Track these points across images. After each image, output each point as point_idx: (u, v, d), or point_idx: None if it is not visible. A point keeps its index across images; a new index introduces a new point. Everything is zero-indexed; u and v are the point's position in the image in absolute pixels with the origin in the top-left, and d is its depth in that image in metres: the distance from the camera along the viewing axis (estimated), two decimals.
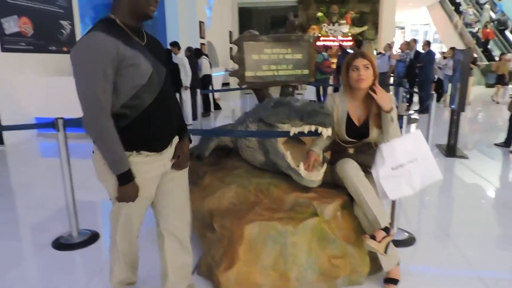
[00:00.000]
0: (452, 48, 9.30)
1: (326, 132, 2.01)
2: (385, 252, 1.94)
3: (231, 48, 16.88)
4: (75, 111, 6.64)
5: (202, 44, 12.43)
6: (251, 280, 2.01)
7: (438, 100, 9.83)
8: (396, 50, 10.00)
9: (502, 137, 5.59)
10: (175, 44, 7.09)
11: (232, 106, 10.54)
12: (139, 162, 1.48)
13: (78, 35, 7.16)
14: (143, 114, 1.42)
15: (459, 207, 3.41)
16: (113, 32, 1.34)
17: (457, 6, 18.85)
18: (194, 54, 7.60)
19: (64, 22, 6.77)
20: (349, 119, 2.16)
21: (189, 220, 1.81)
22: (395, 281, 2.07)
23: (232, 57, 4.43)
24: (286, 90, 4.14)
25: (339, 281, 2.07)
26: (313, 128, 1.99)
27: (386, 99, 2.03)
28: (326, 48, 9.02)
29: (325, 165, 2.16)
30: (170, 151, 1.61)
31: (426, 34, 27.48)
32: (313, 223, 2.02)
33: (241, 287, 1.98)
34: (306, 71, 4.00)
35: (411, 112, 8.39)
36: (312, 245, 2.04)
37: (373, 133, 2.13)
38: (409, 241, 2.63)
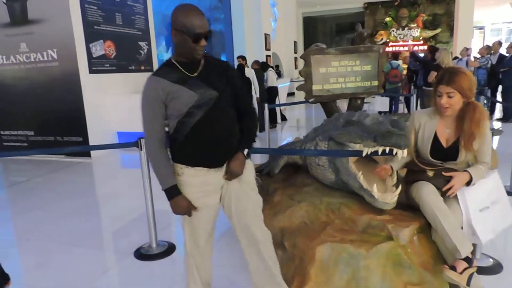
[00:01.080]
0: (466, 48, 8.45)
1: (401, 153, 1.93)
2: (468, 284, 1.81)
3: (295, 58, 16.95)
4: None
5: (267, 56, 12.66)
6: None
7: None
8: (474, 55, 9.25)
9: None
10: (243, 58, 7.36)
11: (298, 117, 10.56)
12: (192, 175, 1.71)
13: (155, 53, 7.73)
14: (190, 134, 1.65)
15: None
16: (165, 73, 1.65)
17: None
18: (261, 67, 7.77)
19: (142, 43, 7.34)
20: (435, 139, 2.06)
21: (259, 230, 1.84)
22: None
23: (299, 72, 4.47)
24: (354, 102, 4.06)
25: None
26: (387, 149, 1.94)
27: (461, 181, 1.94)
28: (395, 55, 8.64)
29: (400, 187, 2.08)
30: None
31: (511, 33, 25.04)
32: (388, 248, 1.95)
33: None
34: (375, 83, 3.91)
35: (493, 121, 7.71)
36: (387, 269, 1.97)
37: (462, 156, 2.01)
38: (494, 269, 2.41)
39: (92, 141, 6.09)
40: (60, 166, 5.72)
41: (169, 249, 2.89)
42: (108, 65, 6.53)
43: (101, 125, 6.35)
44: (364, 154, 2.08)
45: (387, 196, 2.05)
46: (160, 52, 10.40)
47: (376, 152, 2.00)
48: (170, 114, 1.65)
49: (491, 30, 25.38)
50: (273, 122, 8.23)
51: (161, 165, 1.66)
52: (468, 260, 1.84)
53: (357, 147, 2.18)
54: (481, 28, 24.40)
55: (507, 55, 7.76)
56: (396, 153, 1.96)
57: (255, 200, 1.85)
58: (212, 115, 1.65)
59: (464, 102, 1.98)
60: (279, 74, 11.57)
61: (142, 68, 7.32)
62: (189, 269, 1.91)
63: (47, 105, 6.22)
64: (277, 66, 12.33)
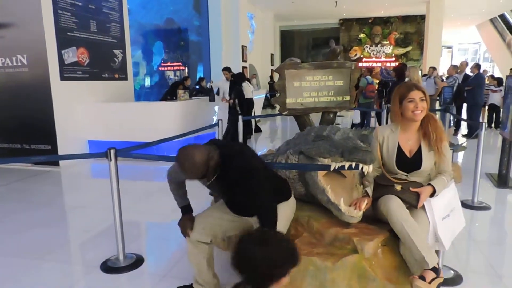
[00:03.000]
0: (432, 68, 9.02)
1: (367, 168, 2.00)
2: None
3: (272, 70, 17.18)
4: (124, 134, 6.94)
5: (244, 67, 12.77)
6: None
7: (490, 125, 9.38)
8: (442, 74, 9.70)
9: None
10: (229, 70, 7.60)
11: (273, 128, 10.66)
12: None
13: (129, 62, 7.64)
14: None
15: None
16: None
17: (508, 24, 18.01)
18: (236, 79, 7.82)
19: (116, 51, 7.25)
20: (399, 151, 2.17)
21: None
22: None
23: (274, 85, 4.55)
24: (326, 116, 4.15)
25: None
26: (353, 164, 2.00)
27: (427, 195, 2.06)
28: (370, 71, 8.92)
29: (365, 201, 2.14)
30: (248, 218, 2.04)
31: (476, 53, 26.36)
32: (353, 261, 2.00)
33: None
34: (347, 97, 4.01)
35: (458, 137, 8.05)
36: (352, 282, 2.01)
37: (425, 164, 2.14)
38: (455, 280, 2.49)
39: (61, 150, 5.92)
40: (26, 175, 5.52)
41: (137, 261, 2.83)
42: (80, 72, 6.40)
43: (71, 133, 6.20)
44: (332, 169, 2.13)
45: (353, 210, 2.10)
46: (136, 59, 10.29)
47: (343, 167, 2.06)
48: None
49: (458, 49, 26.62)
50: (248, 134, 8.27)
51: (176, 195, 2.18)
52: (435, 270, 1.91)
53: (326, 161, 2.24)
54: (449, 47, 25.57)
55: (471, 74, 8.14)
56: (362, 169, 2.02)
57: None
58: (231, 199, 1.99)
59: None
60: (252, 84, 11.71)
61: (116, 76, 7.22)
62: None
63: (15, 111, 6.03)
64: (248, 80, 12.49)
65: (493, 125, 9.42)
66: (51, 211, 4.02)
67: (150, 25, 13.75)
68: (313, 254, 2.04)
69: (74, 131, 6.27)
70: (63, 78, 6.04)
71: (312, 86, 3.99)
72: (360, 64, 15.32)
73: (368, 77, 8.01)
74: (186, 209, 2.17)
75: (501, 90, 8.74)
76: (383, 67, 8.15)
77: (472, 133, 8.09)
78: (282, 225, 2.03)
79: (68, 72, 6.12)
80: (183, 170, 1.75)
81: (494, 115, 9.12)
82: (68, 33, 6.08)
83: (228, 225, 2.12)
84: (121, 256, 2.81)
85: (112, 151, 2.67)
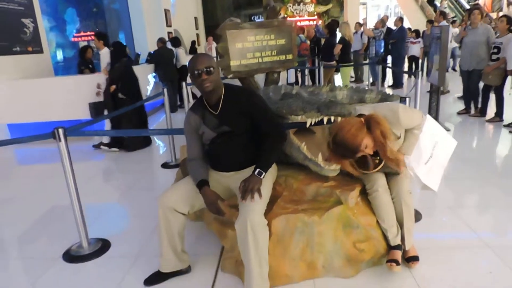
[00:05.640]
0: (358, 23, 9.70)
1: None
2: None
3: (197, 35, 16.53)
4: (49, 114, 6.25)
5: (169, 32, 12.07)
6: (281, 272, 2.04)
7: (410, 75, 10.13)
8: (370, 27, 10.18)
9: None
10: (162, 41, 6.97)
11: None
12: (212, 175, 2.12)
13: (43, 32, 6.77)
14: (210, 151, 2.14)
15: (454, 179, 3.53)
16: (197, 108, 2.08)
17: None
18: (173, 44, 7.38)
19: (26, 20, 6.36)
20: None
21: None
22: (417, 258, 2.15)
23: (216, 48, 4.37)
24: (271, 76, 4.12)
25: (363, 264, 2.14)
26: (332, 118, 2.00)
27: (404, 164, 2.06)
28: (303, 29, 9.00)
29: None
30: (236, 175, 2.07)
31: (387, 8, 27.92)
32: (338, 211, 2.06)
33: (271, 280, 1.99)
34: (290, 56, 3.98)
35: (386, 88, 8.59)
36: (337, 232, 2.08)
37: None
38: (416, 217, 2.73)
39: None
40: None
41: (104, 246, 2.64)
42: None
43: None
44: (308, 125, 2.13)
45: (331, 163, 2.13)
46: (47, 29, 8.94)
47: (321, 122, 2.06)
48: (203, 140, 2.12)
49: (372, 5, 27.98)
50: (183, 102, 7.96)
51: (192, 171, 2.07)
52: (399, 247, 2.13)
53: (299, 118, 2.22)
54: (364, 4, 26.72)
55: (394, 28, 8.61)
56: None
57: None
58: (226, 143, 2.04)
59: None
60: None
61: (30, 49, 6.37)
62: None
63: None
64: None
65: (413, 75, 10.18)
66: None
67: None
68: (299, 211, 2.06)
69: None
70: None
71: (255, 47, 3.88)
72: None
73: (301, 35, 8.08)
74: (205, 182, 2.00)
75: (419, 42, 9.43)
76: (318, 24, 8.24)
77: (398, 84, 8.72)
78: (266, 186, 2.00)
79: None
80: (195, 59, 1.93)
81: (413, 66, 9.86)
82: None
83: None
84: (84, 242, 2.59)
85: (61, 130, 2.38)
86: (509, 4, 16.78)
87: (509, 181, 3.41)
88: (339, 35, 7.42)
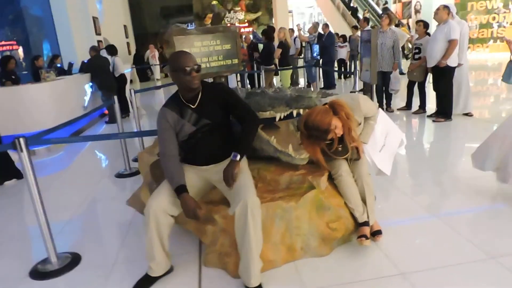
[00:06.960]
0: (291, 29, 10.24)
1: None
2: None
3: (128, 43, 16.07)
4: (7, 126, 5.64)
5: (99, 41, 11.60)
6: (264, 258, 2.15)
7: (340, 77, 10.91)
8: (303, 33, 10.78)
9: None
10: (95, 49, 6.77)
11: (150, 103, 10.05)
12: (188, 170, 2.16)
13: None
14: (187, 146, 2.18)
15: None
16: (173, 105, 2.11)
17: None
18: (109, 52, 7.11)
19: None
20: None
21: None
22: (380, 232, 2.42)
23: (163, 54, 4.38)
24: (218, 80, 4.25)
25: (336, 242, 2.35)
26: (301, 111, 2.19)
27: (361, 150, 2.32)
28: (240, 36, 9.24)
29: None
30: (215, 169, 2.17)
31: (311, 16, 29.49)
32: (312, 196, 2.25)
33: None
34: (236, 60, 4.17)
35: (320, 89, 9.14)
36: (312, 215, 2.27)
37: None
38: None
39: None
40: None
41: (74, 260, 2.53)
42: None
43: None
44: (278, 119, 2.30)
45: (302, 152, 2.32)
46: None
47: (290, 115, 2.24)
48: (179, 137, 2.14)
49: (297, 13, 29.35)
50: (125, 112, 7.73)
51: (169, 169, 2.06)
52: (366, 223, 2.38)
53: (267, 114, 2.38)
54: (290, 11, 27.95)
55: (322, 33, 9.20)
56: None
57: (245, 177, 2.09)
58: (203, 133, 2.12)
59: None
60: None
61: None
62: None
63: None
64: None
65: (342, 76, 10.98)
66: None
67: None
68: (277, 199, 2.20)
69: None
70: None
71: (202, 52, 4.01)
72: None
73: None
74: (184, 188, 2.01)
75: (346, 46, 10.19)
76: (255, 30, 8.54)
77: (329, 86, 9.32)
78: (246, 169, 2.14)
79: None
80: (183, 56, 2.00)
81: (342, 68, 10.61)
82: None
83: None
84: (53, 257, 2.47)
85: (22, 140, 2.28)
86: (416, 12, 18.78)
87: (436, 161, 3.93)
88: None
